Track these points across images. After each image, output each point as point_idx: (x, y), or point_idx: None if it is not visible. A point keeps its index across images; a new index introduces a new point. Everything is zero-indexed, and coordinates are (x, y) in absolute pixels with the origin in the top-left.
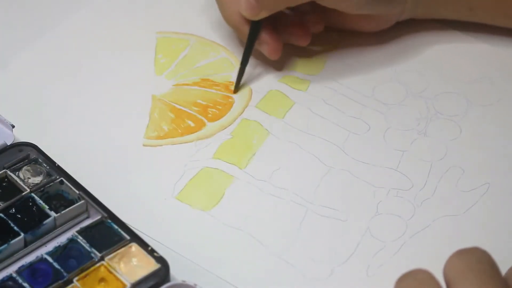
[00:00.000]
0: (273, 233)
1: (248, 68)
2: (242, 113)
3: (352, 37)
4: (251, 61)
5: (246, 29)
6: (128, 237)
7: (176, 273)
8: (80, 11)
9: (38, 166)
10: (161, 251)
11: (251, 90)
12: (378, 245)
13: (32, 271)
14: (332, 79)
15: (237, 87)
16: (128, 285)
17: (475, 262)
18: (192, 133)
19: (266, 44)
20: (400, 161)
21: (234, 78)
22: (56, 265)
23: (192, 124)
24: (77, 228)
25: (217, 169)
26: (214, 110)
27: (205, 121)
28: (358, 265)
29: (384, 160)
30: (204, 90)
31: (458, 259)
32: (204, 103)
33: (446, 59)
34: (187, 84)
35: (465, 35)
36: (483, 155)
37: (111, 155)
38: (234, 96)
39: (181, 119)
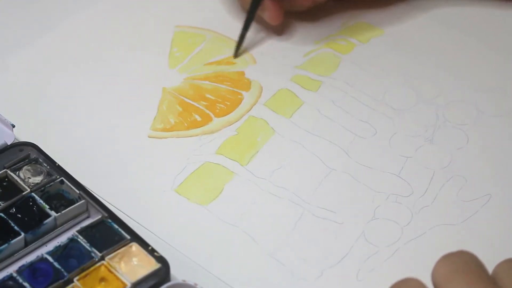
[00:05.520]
0: (267, 231)
1: (261, 66)
2: (250, 110)
3: (368, 42)
4: (265, 59)
5: None
6: (128, 237)
7: (177, 273)
8: (97, 5)
9: (38, 165)
10: (162, 251)
11: (262, 87)
12: (371, 249)
13: (32, 271)
14: (344, 81)
15: (237, 52)
16: (129, 284)
17: (461, 264)
18: (198, 127)
19: (268, 10)
20: (403, 167)
21: (247, 75)
22: (56, 264)
23: (198, 118)
24: (78, 227)
25: (218, 164)
26: (222, 105)
27: (212, 116)
28: (348, 268)
29: (387, 165)
30: (215, 85)
31: (445, 263)
32: (213, 98)
33: (461, 67)
34: (198, 78)
35: (482, 45)
36: (488, 166)
37: (114, 147)
38: (244, 92)
39: (188, 113)
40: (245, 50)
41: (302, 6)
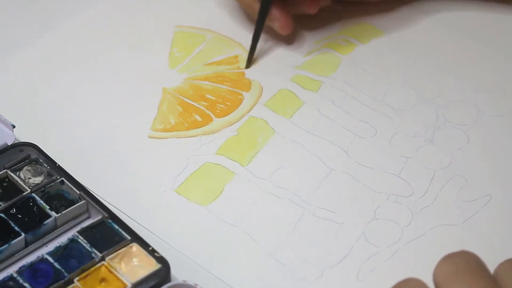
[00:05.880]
0: (267, 232)
1: (261, 66)
2: (250, 110)
3: (368, 42)
4: (265, 59)
5: (256, 6)
6: (129, 237)
7: (177, 273)
8: (97, 5)
9: (38, 166)
10: (162, 251)
11: (262, 88)
12: (372, 250)
13: (33, 271)
14: (344, 81)
15: (249, 63)
16: (129, 285)
17: (463, 264)
18: (198, 127)
19: (277, 20)
20: (403, 168)
21: (247, 75)
22: (57, 265)
23: (199, 119)
24: (78, 228)
25: (219, 165)
26: (222, 106)
27: (213, 116)
28: (349, 268)
29: (387, 165)
30: (215, 86)
31: (446, 263)
32: (213, 98)
33: (461, 67)
34: (199, 79)
35: (482, 45)
36: (488, 166)
37: (114, 147)
38: (244, 93)
39: (188, 113)
40: (244, 48)
41: (307, 13)
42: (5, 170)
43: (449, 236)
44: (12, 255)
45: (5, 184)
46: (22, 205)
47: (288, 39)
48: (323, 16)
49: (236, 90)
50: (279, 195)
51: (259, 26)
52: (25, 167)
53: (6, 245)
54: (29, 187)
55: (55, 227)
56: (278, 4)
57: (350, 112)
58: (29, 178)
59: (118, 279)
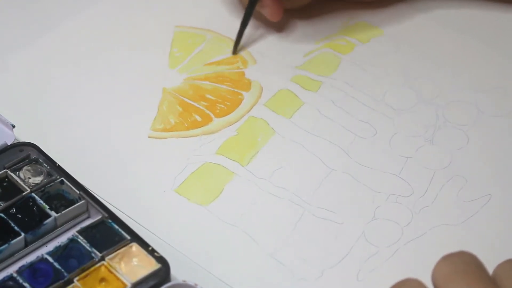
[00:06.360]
0: (267, 232)
1: (261, 66)
2: (250, 110)
3: (368, 42)
4: (265, 59)
5: None
6: (128, 237)
7: (177, 273)
8: (97, 5)
9: (38, 166)
10: (162, 251)
11: (262, 88)
12: (372, 250)
13: (32, 271)
14: (344, 81)
15: (235, 49)
16: (129, 285)
17: (461, 264)
18: (198, 127)
19: (267, 6)
20: (403, 167)
21: (247, 75)
22: (56, 265)
23: (198, 119)
24: (78, 228)
25: (219, 164)
26: (222, 106)
27: (212, 116)
28: (349, 268)
29: (387, 165)
30: (215, 86)
31: (445, 263)
32: (213, 98)
33: (461, 67)
34: (199, 79)
35: (482, 45)
36: (488, 166)
37: (114, 147)
38: (244, 93)
39: (188, 113)
40: (244, 48)
41: (302, 2)
42: (5, 170)
43: (449, 236)
44: (12, 255)
45: (5, 184)
46: (22, 205)
47: (288, 39)
48: (322, 15)
49: (236, 90)
50: (279, 195)
51: (248, 12)
52: (25, 167)
53: (6, 245)
54: (29, 187)
55: (55, 227)
56: None
57: (350, 112)
58: (29, 178)
59: (118, 279)
